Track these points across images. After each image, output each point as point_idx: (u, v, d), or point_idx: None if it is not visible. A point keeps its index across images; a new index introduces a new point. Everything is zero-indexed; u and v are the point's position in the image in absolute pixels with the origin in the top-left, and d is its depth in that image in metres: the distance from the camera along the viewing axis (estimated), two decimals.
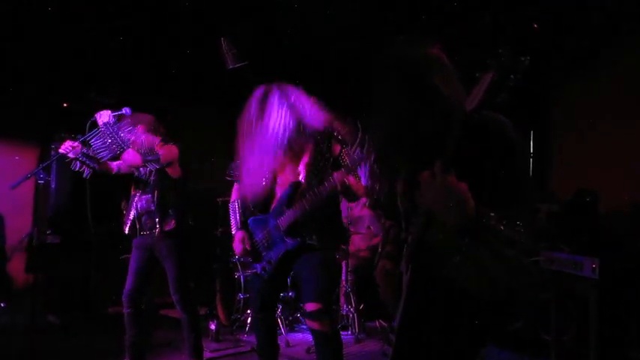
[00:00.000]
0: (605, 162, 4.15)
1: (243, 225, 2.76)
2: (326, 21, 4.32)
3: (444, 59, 1.34)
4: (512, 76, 0.96)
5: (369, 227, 5.30)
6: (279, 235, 2.56)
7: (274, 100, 2.49)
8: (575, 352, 3.35)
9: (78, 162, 2.98)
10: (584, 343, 3.16)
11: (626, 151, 3.99)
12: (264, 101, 2.49)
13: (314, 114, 2.51)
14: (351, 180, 2.43)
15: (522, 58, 0.96)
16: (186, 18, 4.49)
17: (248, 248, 2.68)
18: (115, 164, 3.18)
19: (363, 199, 5.11)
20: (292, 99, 2.50)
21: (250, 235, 2.70)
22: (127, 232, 3.26)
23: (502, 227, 1.08)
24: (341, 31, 4.43)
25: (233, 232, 2.83)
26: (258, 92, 2.55)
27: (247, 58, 4.71)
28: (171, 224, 3.17)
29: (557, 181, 4.61)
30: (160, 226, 3.15)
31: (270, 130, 2.44)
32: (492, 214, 1.09)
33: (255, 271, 2.72)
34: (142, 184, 3.22)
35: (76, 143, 2.95)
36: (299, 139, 2.52)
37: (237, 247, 2.73)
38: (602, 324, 3.01)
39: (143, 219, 3.19)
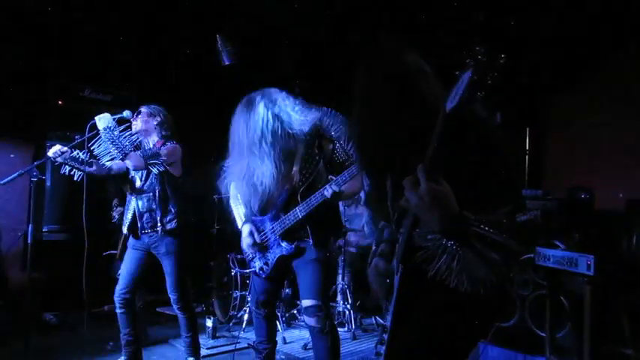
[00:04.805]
0: (600, 160, 4.17)
1: (248, 219, 2.71)
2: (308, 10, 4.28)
3: (424, 63, 1.34)
4: (490, 75, 0.95)
5: (363, 226, 5.30)
6: (275, 239, 2.59)
7: (259, 106, 2.45)
8: (570, 348, 3.36)
9: (67, 166, 2.93)
10: (579, 339, 3.18)
11: (621, 148, 4.00)
12: (248, 108, 2.47)
13: (299, 116, 2.49)
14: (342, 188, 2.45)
15: (499, 56, 0.94)
16: (183, 16, 4.47)
17: (258, 241, 2.62)
18: (106, 166, 3.09)
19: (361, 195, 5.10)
20: (277, 103, 2.47)
21: (257, 228, 2.65)
22: (125, 231, 3.24)
23: (486, 230, 1.07)
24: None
25: (239, 227, 2.75)
26: (243, 100, 2.53)
27: (243, 56, 4.70)
28: (173, 222, 3.15)
29: (553, 178, 4.61)
30: (161, 225, 3.13)
31: (257, 135, 2.41)
32: (476, 217, 1.08)
33: (253, 269, 2.71)
34: (138, 184, 3.19)
35: (65, 148, 2.89)
36: (288, 143, 2.50)
37: (245, 240, 2.66)
38: (596, 321, 3.02)
39: (145, 217, 3.16)
